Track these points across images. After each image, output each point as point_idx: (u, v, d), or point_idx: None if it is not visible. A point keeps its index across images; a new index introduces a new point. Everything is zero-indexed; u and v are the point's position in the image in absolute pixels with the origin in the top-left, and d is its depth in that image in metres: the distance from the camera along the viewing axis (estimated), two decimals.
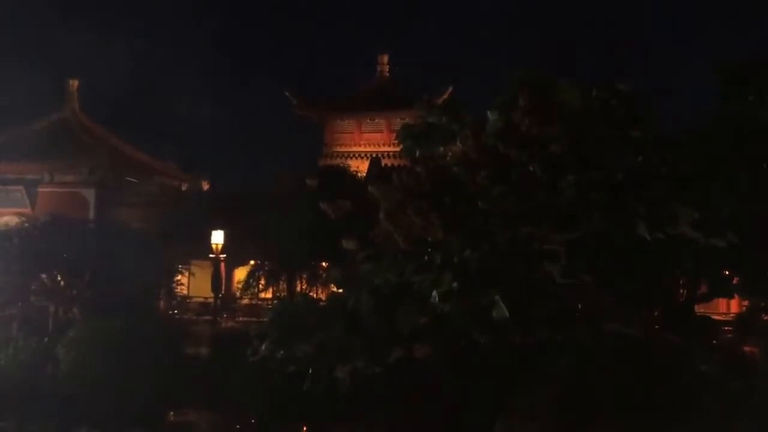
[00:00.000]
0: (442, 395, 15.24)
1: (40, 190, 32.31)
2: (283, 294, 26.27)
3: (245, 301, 28.79)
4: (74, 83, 37.00)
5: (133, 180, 34.04)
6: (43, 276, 24.43)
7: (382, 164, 36.15)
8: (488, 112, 9.57)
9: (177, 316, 26.88)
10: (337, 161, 40.62)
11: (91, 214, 31.05)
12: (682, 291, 12.58)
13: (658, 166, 8.58)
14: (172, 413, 20.23)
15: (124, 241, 24.24)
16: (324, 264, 25.01)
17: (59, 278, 24.54)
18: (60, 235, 24.59)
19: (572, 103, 8.77)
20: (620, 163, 8.43)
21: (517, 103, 9.13)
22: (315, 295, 23.59)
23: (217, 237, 25.79)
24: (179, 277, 27.90)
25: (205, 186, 38.82)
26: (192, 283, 29.10)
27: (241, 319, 26.67)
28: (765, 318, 12.00)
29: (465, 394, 15.39)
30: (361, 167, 38.33)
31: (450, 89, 38.90)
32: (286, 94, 45.09)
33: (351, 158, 43.08)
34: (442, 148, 11.13)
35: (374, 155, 40.92)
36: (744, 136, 10.62)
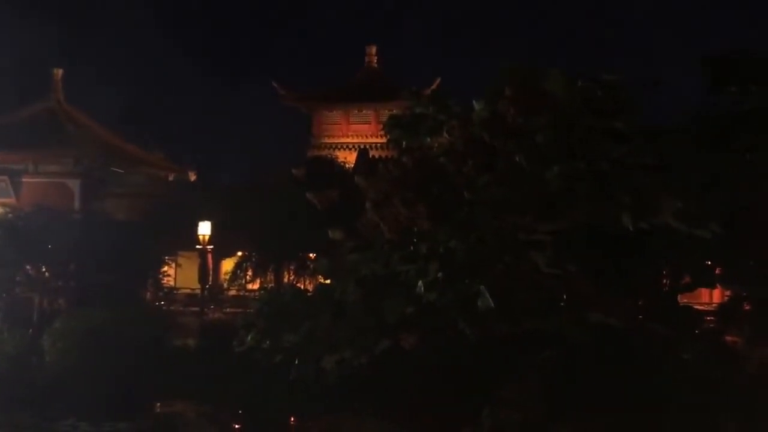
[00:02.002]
0: (428, 385, 15.32)
1: (24, 180, 31.97)
2: (270, 285, 26.21)
3: (232, 292, 28.69)
4: (59, 72, 36.61)
5: (120, 170, 33.78)
6: (28, 267, 24.25)
7: (370, 155, 36.07)
8: (474, 103, 9.59)
9: (164, 308, 26.79)
10: (325, 152, 40.49)
11: (77, 205, 30.77)
12: (665, 281, 12.70)
13: (642, 157, 8.64)
14: (158, 404, 20.21)
15: (109, 232, 24.09)
16: (312, 255, 24.99)
17: (44, 269, 24.37)
18: (45, 225, 24.39)
19: (558, 93, 8.81)
20: (605, 153, 8.49)
21: (503, 93, 9.16)
22: (303, 286, 23.60)
23: (204, 228, 25.68)
24: (166, 268, 27.77)
25: (193, 177, 38.61)
26: (179, 275, 28.96)
27: (228, 310, 26.58)
28: (746, 307, 12.12)
29: (451, 384, 15.48)
30: (348, 158, 38.26)
31: (438, 80, 38.85)
32: (274, 85, 44.87)
33: (339, 149, 42.96)
34: (429, 139, 11.16)
35: (362, 146, 40.81)
36: (728, 127, 10.71)
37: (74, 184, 31.91)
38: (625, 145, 8.62)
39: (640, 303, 12.07)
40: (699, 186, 9.22)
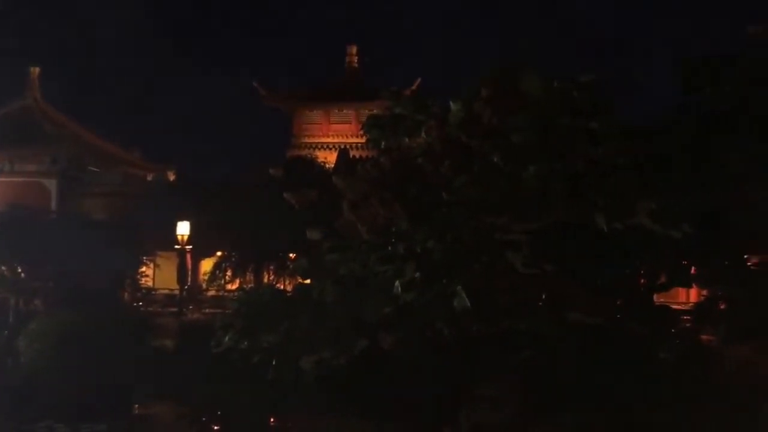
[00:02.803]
0: (407, 385, 15.32)
1: None
2: (250, 285, 26.10)
3: (212, 292, 28.55)
4: (35, 71, 36.19)
5: (97, 169, 33.46)
6: (3, 268, 23.94)
7: (351, 155, 36.05)
8: (451, 103, 9.61)
9: (142, 308, 26.57)
10: (306, 152, 40.41)
11: (53, 205, 30.47)
12: (642, 280, 12.81)
13: (618, 157, 8.70)
14: (136, 405, 20.02)
15: (87, 232, 23.84)
16: (292, 255, 24.92)
17: (20, 270, 24.06)
18: (20, 225, 24.08)
19: (534, 94, 8.85)
20: (581, 153, 8.54)
21: (480, 93, 9.18)
22: (283, 286, 23.54)
23: (183, 228, 25.50)
24: (144, 268, 27.55)
25: (171, 176, 38.34)
26: (157, 275, 28.75)
27: (207, 310, 26.44)
28: (722, 307, 12.26)
29: (430, 384, 15.51)
30: (329, 158, 38.23)
31: (418, 80, 38.99)
32: (255, 85, 44.70)
33: (319, 149, 42.91)
34: (407, 139, 11.15)
35: (342, 146, 40.81)
36: (703, 128, 10.83)
37: (51, 184, 31.60)
38: (601, 146, 8.69)
39: (618, 302, 12.17)
40: (674, 186, 9.31)
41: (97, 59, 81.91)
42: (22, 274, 24.07)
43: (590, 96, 9.04)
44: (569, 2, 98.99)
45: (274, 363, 11.05)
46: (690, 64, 11.94)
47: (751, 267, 11.99)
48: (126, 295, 27.13)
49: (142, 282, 27.60)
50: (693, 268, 12.37)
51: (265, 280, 26.96)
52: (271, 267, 27.01)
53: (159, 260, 28.42)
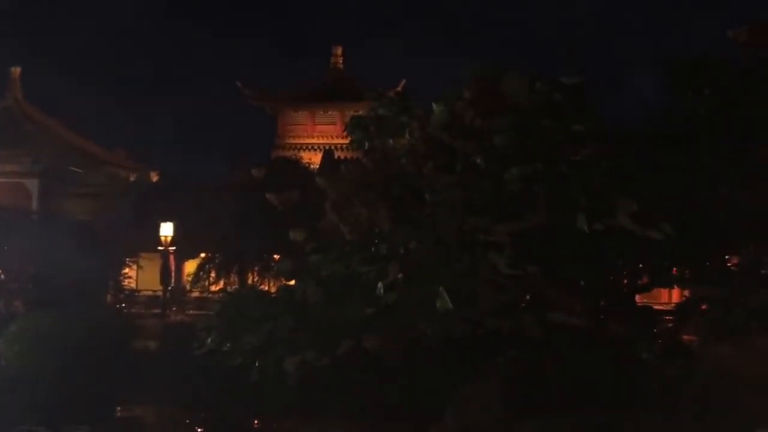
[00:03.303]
0: (392, 385, 15.34)
1: None
2: (234, 286, 26.00)
3: (195, 293, 28.42)
4: (17, 71, 35.84)
5: (79, 170, 33.16)
6: None
7: (335, 156, 36.01)
8: (433, 105, 9.61)
9: (125, 310, 26.40)
10: (290, 153, 40.35)
11: (35, 205, 30.17)
12: (625, 281, 12.89)
13: (600, 159, 8.75)
14: (119, 408, 19.88)
15: (69, 233, 23.64)
16: (276, 256, 24.84)
17: (0, 271, 23.82)
18: (1, 226, 23.83)
19: (517, 95, 8.87)
20: (563, 155, 8.57)
21: (462, 95, 9.20)
22: (267, 288, 23.45)
23: (167, 229, 25.38)
24: (127, 270, 27.37)
25: (155, 177, 38.09)
26: (140, 276, 28.58)
27: (191, 312, 26.32)
28: (703, 307, 12.35)
29: (415, 384, 15.53)
30: (314, 159, 38.18)
31: (404, 81, 39.01)
32: (239, 84, 44.54)
33: (304, 150, 42.87)
34: (391, 141, 11.14)
35: (327, 147, 40.76)
36: (685, 130, 10.91)
37: (32, 184, 31.31)
38: (584, 147, 8.72)
39: (602, 303, 12.23)
40: (656, 188, 9.37)
41: (81, 59, 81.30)
42: (2, 276, 23.81)
43: (573, 98, 9.07)
44: (554, 4, 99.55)
45: (257, 364, 10.97)
46: (672, 66, 12.04)
47: (732, 267, 12.09)
48: (108, 296, 26.93)
49: (125, 283, 27.42)
50: (674, 268, 12.47)
51: (250, 281, 26.85)
52: (256, 268, 26.91)
53: (142, 261, 28.26)
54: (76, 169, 32.89)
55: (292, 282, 12.42)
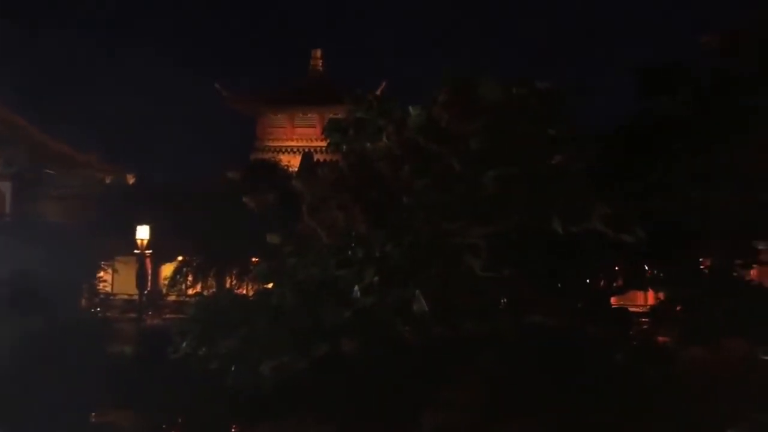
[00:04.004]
0: (369, 389, 15.28)
1: None
2: (212, 290, 25.83)
3: (172, 297, 28.18)
4: None
5: (53, 172, 32.70)
6: None
7: (315, 159, 35.93)
8: (410, 108, 9.64)
9: (100, 314, 26.07)
10: (270, 156, 40.18)
11: (8, 208, 29.71)
12: (602, 283, 13.01)
13: (574, 163, 8.83)
14: (93, 414, 19.58)
15: (42, 237, 23.31)
16: (255, 259, 24.72)
17: None
18: None
19: (493, 100, 8.93)
20: (538, 159, 8.65)
21: (438, 99, 9.25)
22: (245, 291, 23.32)
23: (143, 232, 25.12)
24: (102, 273, 27.06)
25: (131, 179, 37.69)
26: (116, 280, 28.28)
27: (167, 316, 26.06)
28: (678, 309, 12.51)
29: (392, 388, 15.50)
30: (293, 162, 38.07)
31: (383, 84, 39.04)
32: (217, 87, 44.28)
33: (283, 153, 42.74)
34: (369, 144, 11.15)
35: (307, 150, 40.65)
36: (658, 134, 11.06)
37: (5, 187, 30.80)
38: (558, 151, 8.81)
39: (579, 305, 12.33)
40: (629, 191, 9.49)
41: (55, 60, 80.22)
42: None
43: (548, 103, 9.16)
44: (532, 9, 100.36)
45: (233, 369, 10.91)
46: (646, 71, 12.20)
47: (705, 269, 12.27)
48: (83, 300, 26.59)
49: (100, 287, 27.11)
50: (648, 270, 12.61)
51: (228, 284, 26.69)
52: (234, 271, 26.76)
53: (118, 265, 27.96)
54: (50, 172, 32.42)
55: (270, 285, 12.39)
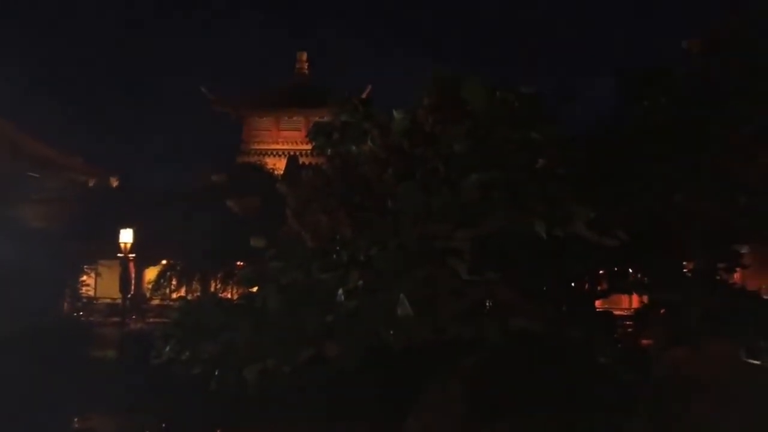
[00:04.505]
0: (353, 392, 15.26)
1: None
2: (196, 294, 25.69)
3: (156, 301, 28.00)
4: None
5: (36, 175, 32.34)
6: None
7: (300, 162, 35.85)
8: (394, 112, 9.65)
9: (82, 319, 25.87)
10: (256, 159, 40.03)
11: None
12: (586, 286, 13.07)
13: (557, 166, 8.87)
14: (76, 419, 19.42)
15: (24, 239, 23.08)
16: (240, 263, 24.61)
17: None
18: None
19: (476, 103, 8.95)
20: (521, 163, 8.68)
21: (423, 101, 9.25)
22: (230, 295, 23.21)
23: (126, 235, 24.93)
24: (85, 277, 26.84)
25: (115, 182, 37.39)
26: (99, 284, 28.06)
27: (151, 320, 25.91)
28: (661, 312, 12.58)
29: (376, 391, 15.50)
30: (278, 165, 37.94)
31: (369, 87, 39.06)
32: (203, 90, 44.06)
33: (269, 156, 42.60)
34: (354, 147, 11.13)
35: (292, 153, 40.56)
36: (639, 138, 11.13)
37: None
38: (541, 155, 8.84)
39: (564, 308, 12.38)
40: (612, 195, 9.54)
41: (38, 62, 79.52)
42: None
43: (531, 106, 9.20)
44: (516, 13, 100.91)
45: (216, 373, 10.82)
46: (629, 75, 12.29)
47: (686, 273, 12.36)
48: (65, 304, 26.36)
49: (83, 291, 26.88)
50: (632, 274, 12.68)
51: (212, 288, 26.56)
52: (218, 275, 26.63)
53: (101, 269, 27.74)
54: (32, 174, 32.07)
55: (255, 289, 12.31)
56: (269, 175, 30.32)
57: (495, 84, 9.28)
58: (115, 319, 25.88)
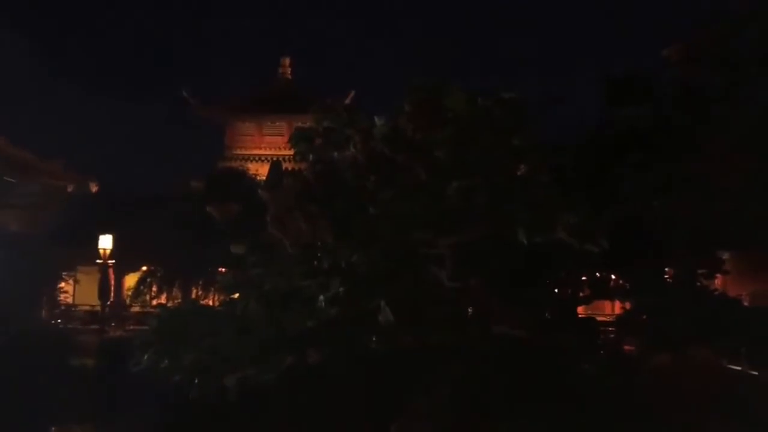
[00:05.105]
0: (337, 400, 15.13)
1: None
2: (177, 301, 25.41)
3: (136, 308, 27.65)
4: None
5: (12, 180, 31.84)
6: None
7: (284, 168, 35.63)
8: (375, 118, 9.59)
9: (60, 326, 25.48)
10: (238, 164, 39.78)
11: None
12: (569, 292, 13.07)
13: (538, 172, 8.85)
14: (53, 428, 19.08)
15: (1, 247, 22.73)
16: (222, 269, 24.38)
17: None
18: None
19: (458, 110, 8.91)
20: (502, 169, 8.64)
21: (405, 108, 9.20)
22: (211, 302, 22.97)
23: (105, 241, 24.63)
24: (63, 284, 26.45)
25: (94, 188, 36.92)
26: (78, 291, 27.65)
27: (131, 327, 25.56)
28: (644, 317, 12.60)
29: (360, 398, 15.37)
30: (261, 170, 37.70)
31: (352, 93, 39.00)
32: (184, 94, 43.70)
33: (252, 161, 42.34)
34: (336, 153, 11.05)
35: (275, 159, 40.34)
36: (623, 144, 11.16)
37: None
38: (523, 161, 8.82)
39: (547, 315, 12.36)
40: (594, 201, 9.53)
41: (16, 65, 78.58)
42: None
43: (512, 113, 9.17)
44: (500, 18, 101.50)
45: (196, 381, 10.67)
46: (612, 82, 12.33)
47: (668, 279, 12.40)
48: (44, 312, 25.96)
49: (61, 298, 26.49)
50: (614, 280, 12.71)
51: (194, 295, 26.28)
52: (200, 282, 26.36)
53: (80, 275, 27.36)
54: (10, 180, 31.57)
55: (237, 296, 12.18)
56: (252, 180, 30.12)
57: (477, 91, 9.25)
58: (94, 326, 25.52)
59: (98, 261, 24.98)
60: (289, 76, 47.05)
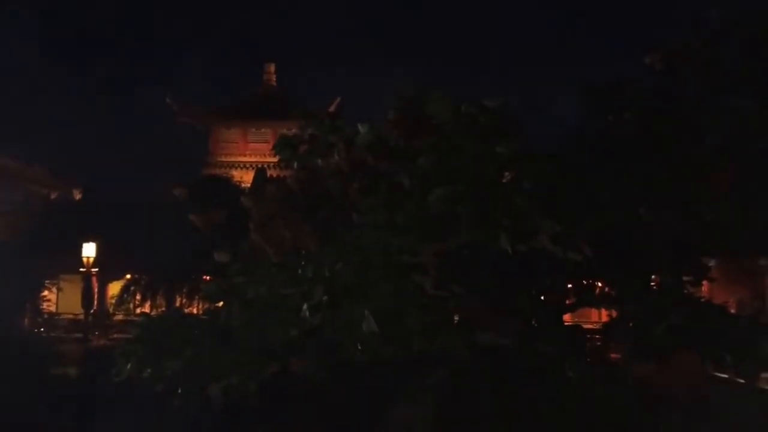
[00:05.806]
0: (319, 409, 15.03)
1: None
2: (161, 309, 25.23)
3: (120, 317, 27.45)
4: None
5: None
6: None
7: (268, 175, 35.53)
8: (359, 126, 9.57)
9: (43, 335, 25.23)
10: (223, 171, 39.69)
11: None
12: (555, 300, 13.06)
13: (522, 180, 8.85)
14: None
15: None
16: (207, 278, 24.22)
17: None
18: None
19: (441, 117, 8.91)
20: (486, 177, 8.64)
21: (388, 115, 9.19)
22: (196, 310, 22.83)
23: (89, 249, 24.46)
24: (46, 292, 26.22)
25: (78, 195, 36.68)
26: (61, 299, 27.42)
27: (115, 336, 25.36)
28: (629, 326, 12.61)
29: (343, 407, 15.28)
30: (246, 178, 37.64)
31: (338, 100, 39.07)
32: (167, 101, 43.57)
33: (236, 168, 42.28)
34: (320, 161, 11.00)
35: (260, 165, 40.22)
36: (604, 153, 11.19)
37: None
38: (507, 169, 8.82)
39: (533, 322, 12.33)
40: (576, 209, 9.54)
41: (1, 73, 78.03)
42: None
43: (496, 121, 9.18)
44: (486, 27, 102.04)
45: (179, 391, 10.55)
46: (592, 90, 12.38)
47: (653, 286, 12.42)
48: (26, 320, 25.71)
49: (44, 307, 26.26)
50: (599, 288, 12.71)
51: (178, 303, 26.11)
52: (184, 290, 26.20)
53: (63, 283, 27.16)
54: None
55: (220, 304, 12.08)
56: (236, 187, 30.01)
57: (461, 98, 9.25)
58: (78, 335, 25.31)
59: (81, 269, 24.80)
60: (274, 83, 47.06)
